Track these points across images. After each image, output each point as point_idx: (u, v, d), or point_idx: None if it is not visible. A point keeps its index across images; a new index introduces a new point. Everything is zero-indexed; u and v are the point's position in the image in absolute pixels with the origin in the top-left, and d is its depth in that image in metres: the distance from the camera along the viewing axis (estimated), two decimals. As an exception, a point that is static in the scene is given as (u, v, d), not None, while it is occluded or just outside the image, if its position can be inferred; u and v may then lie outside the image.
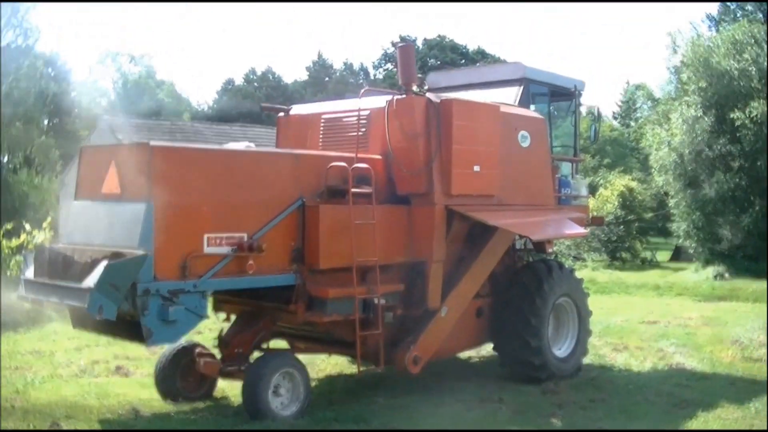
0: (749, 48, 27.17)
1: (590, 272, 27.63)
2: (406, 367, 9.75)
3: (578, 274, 12.73)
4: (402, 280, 9.94)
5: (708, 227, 27.81)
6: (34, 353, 12.59)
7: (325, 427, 8.70)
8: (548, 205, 11.69)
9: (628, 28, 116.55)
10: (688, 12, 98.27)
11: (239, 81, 70.01)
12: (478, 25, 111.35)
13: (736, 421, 9.45)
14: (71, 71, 53.21)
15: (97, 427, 8.71)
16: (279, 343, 10.77)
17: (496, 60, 59.57)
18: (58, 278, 8.37)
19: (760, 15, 32.81)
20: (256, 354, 9.91)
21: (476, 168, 10.20)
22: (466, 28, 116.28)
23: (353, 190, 9.21)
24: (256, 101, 49.91)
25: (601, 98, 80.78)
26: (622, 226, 34.33)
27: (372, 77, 70.45)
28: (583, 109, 13.65)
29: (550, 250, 12.78)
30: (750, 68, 26.64)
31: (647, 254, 36.54)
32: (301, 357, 9.55)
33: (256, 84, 68.57)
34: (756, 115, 25.64)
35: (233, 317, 10.16)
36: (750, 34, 27.68)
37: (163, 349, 9.96)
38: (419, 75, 10.55)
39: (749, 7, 34.30)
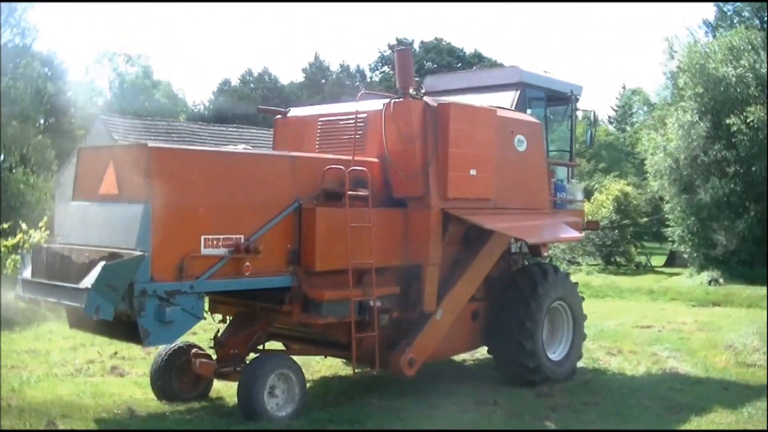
0: (746, 54, 27.26)
1: (585, 276, 27.74)
2: (402, 370, 9.78)
3: (573, 278, 12.77)
4: (398, 282, 9.97)
5: (703, 232, 27.89)
6: (29, 352, 12.60)
7: (320, 428, 8.72)
8: (544, 208, 11.73)
9: (624, 33, 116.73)
10: (684, 17, 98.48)
11: (235, 82, 70.01)
12: (475, 28, 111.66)
13: (729, 425, 9.49)
14: (68, 71, 53.27)
15: (92, 426, 8.73)
16: (274, 345, 10.82)
17: (492, 63, 59.63)
18: (55, 278, 8.40)
19: (757, 21, 32.91)
20: (251, 355, 9.94)
21: (473, 171, 10.23)
22: (463, 30, 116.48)
23: (350, 192, 9.25)
24: (253, 102, 49.90)
25: (597, 102, 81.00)
26: (617, 231, 34.46)
27: (369, 79, 70.49)
28: (579, 114, 13.68)
29: (545, 254, 12.84)
30: (747, 75, 26.72)
31: (642, 259, 36.68)
32: (297, 358, 9.56)
33: (252, 85, 68.57)
34: (752, 121, 25.73)
35: (229, 318, 10.19)
36: (747, 41, 27.79)
37: (159, 350, 9.99)
38: (416, 78, 10.59)
39: (746, 13, 34.39)
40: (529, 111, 12.31)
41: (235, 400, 9.00)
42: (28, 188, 24.94)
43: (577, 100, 13.04)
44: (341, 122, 10.61)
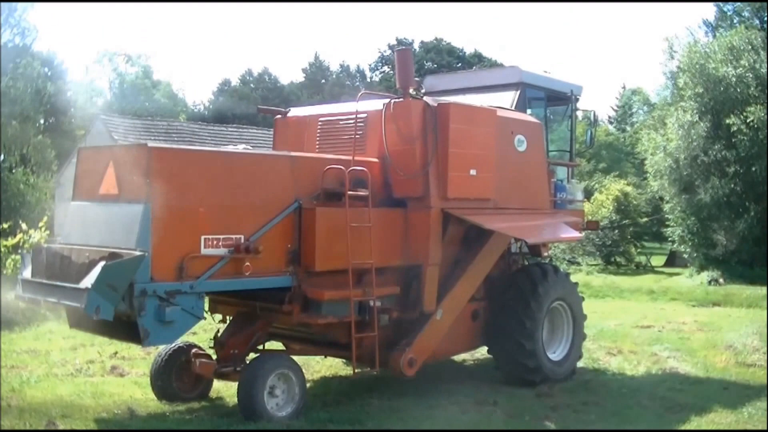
0: (746, 54, 27.26)
1: (585, 276, 27.75)
2: (401, 370, 9.77)
3: (573, 278, 12.77)
4: (398, 282, 9.98)
5: (703, 232, 27.90)
6: (29, 352, 12.60)
7: (320, 428, 8.72)
8: (544, 208, 11.73)
9: (624, 33, 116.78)
10: (684, 17, 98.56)
11: (235, 82, 69.99)
12: (475, 28, 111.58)
13: (729, 425, 9.50)
14: (68, 71, 53.18)
15: (93, 426, 8.73)
16: (274, 345, 10.82)
17: (492, 63, 59.64)
18: (55, 278, 8.40)
19: (757, 21, 32.92)
20: (251, 355, 9.94)
21: (473, 171, 10.24)
22: (462, 30, 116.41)
23: (350, 192, 9.25)
24: (253, 102, 49.88)
25: (597, 102, 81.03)
26: (616, 231, 34.47)
27: (369, 79, 70.48)
28: (579, 114, 13.69)
29: (545, 254, 12.86)
30: (747, 75, 26.73)
31: (642, 259, 36.70)
32: (297, 358, 9.57)
33: (252, 85, 68.53)
34: (752, 121, 25.73)
35: (229, 318, 10.19)
36: (747, 41, 27.79)
37: (159, 350, 9.99)
38: (416, 78, 10.60)
39: (746, 13, 34.40)
40: (529, 111, 12.31)
41: (235, 400, 9.00)
42: (28, 188, 24.93)
43: (577, 100, 13.04)
44: (341, 122, 10.61)
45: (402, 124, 9.92)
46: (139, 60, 68.45)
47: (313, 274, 9.09)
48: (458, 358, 12.64)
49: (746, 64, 26.89)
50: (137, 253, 7.76)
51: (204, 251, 8.26)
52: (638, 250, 37.61)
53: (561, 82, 12.89)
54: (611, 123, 69.97)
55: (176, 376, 9.85)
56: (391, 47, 67.18)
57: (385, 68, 68.50)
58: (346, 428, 8.84)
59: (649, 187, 33.47)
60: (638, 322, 17.43)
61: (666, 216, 30.39)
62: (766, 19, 32.88)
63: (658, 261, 38.01)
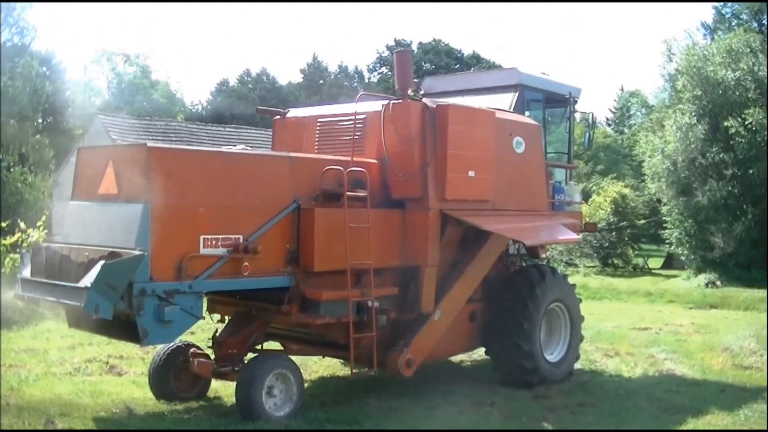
0: (745, 57, 27.31)
1: (582, 278, 27.79)
2: (399, 370, 9.79)
3: (570, 280, 12.79)
4: (396, 283, 9.99)
5: (700, 235, 27.96)
6: (28, 351, 12.60)
7: (318, 428, 8.73)
8: (542, 210, 11.75)
9: (623, 35, 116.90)
10: (683, 19, 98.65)
11: (234, 82, 70.03)
12: (474, 30, 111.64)
13: (726, 427, 9.51)
14: (66, 70, 53.22)
15: (91, 425, 8.73)
16: (273, 345, 10.83)
17: (491, 65, 59.69)
18: (54, 277, 8.41)
19: (755, 24, 32.98)
20: (250, 355, 9.96)
21: (471, 173, 10.25)
22: (461, 32, 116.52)
23: (348, 193, 9.27)
24: (251, 103, 49.90)
25: (595, 104, 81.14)
26: (614, 233, 34.52)
27: (367, 80, 70.51)
28: (578, 115, 13.71)
29: (543, 256, 12.87)
30: (746, 77, 26.77)
31: (639, 261, 36.77)
32: (295, 359, 9.58)
33: (250, 85, 68.58)
34: (750, 123, 25.78)
35: (227, 318, 10.21)
36: (746, 43, 27.84)
37: (157, 349, 10.00)
38: (415, 79, 10.61)
39: (744, 15, 34.47)
40: (527, 113, 12.33)
41: (233, 399, 9.00)
42: (26, 187, 24.93)
43: (575, 102, 13.06)
44: (340, 123, 10.63)
45: (401, 125, 9.94)
46: (137, 60, 68.53)
47: (312, 274, 9.10)
48: (456, 358, 12.65)
49: (745, 67, 26.95)
50: (136, 252, 7.77)
51: (203, 251, 8.27)
52: (636, 252, 37.69)
53: (559, 84, 12.91)
54: (609, 125, 70.04)
55: (174, 375, 9.84)
56: (389, 48, 67.27)
57: (384, 69, 68.58)
58: (344, 428, 8.85)
59: (646, 189, 33.57)
60: (635, 324, 17.45)
61: (663, 218, 30.45)
62: (764, 21, 32.95)
63: (655, 263, 38.05)
